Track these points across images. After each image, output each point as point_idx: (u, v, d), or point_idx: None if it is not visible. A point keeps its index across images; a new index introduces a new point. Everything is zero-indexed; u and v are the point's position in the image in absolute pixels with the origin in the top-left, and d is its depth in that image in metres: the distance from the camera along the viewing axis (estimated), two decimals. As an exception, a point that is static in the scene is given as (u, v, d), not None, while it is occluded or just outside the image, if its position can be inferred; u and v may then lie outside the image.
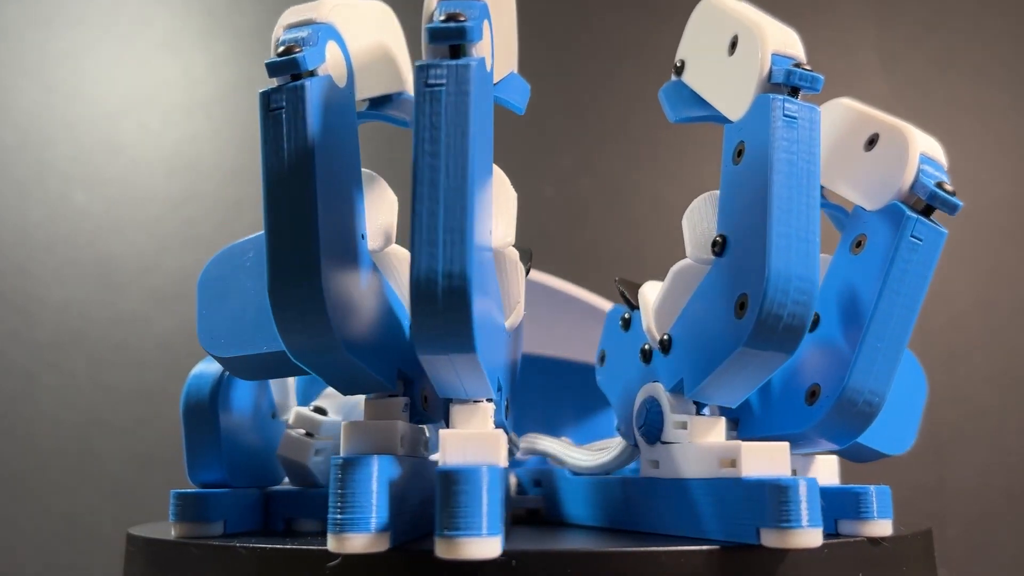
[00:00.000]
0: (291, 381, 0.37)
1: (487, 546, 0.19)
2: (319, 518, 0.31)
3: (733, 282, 0.25)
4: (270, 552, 0.24)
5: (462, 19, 0.21)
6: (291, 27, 0.23)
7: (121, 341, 0.74)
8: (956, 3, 0.79)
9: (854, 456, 0.32)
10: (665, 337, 0.29)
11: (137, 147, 0.77)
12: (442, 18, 0.21)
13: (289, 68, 0.22)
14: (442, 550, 0.19)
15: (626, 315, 0.34)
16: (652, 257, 0.74)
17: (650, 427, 0.30)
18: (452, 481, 0.19)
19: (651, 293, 0.32)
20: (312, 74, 0.22)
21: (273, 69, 0.22)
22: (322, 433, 0.32)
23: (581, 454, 0.36)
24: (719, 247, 0.26)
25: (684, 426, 0.28)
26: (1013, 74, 0.78)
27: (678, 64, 0.31)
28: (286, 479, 0.36)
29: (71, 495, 0.72)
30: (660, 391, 0.29)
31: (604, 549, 0.23)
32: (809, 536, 0.23)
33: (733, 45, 0.27)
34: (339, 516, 0.20)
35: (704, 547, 0.24)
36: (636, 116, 0.76)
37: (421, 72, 0.21)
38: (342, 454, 0.23)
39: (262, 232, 0.23)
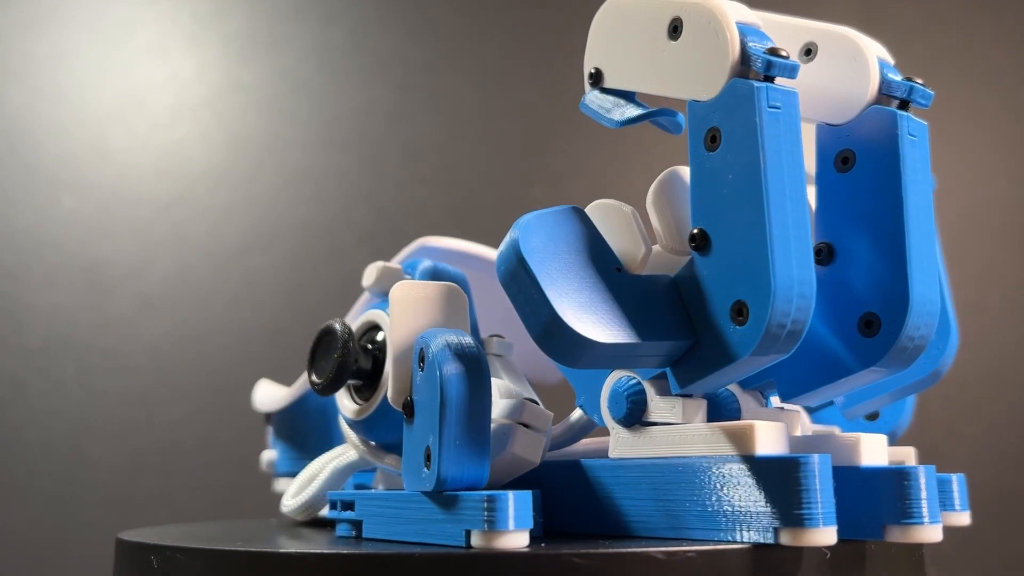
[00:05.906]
0: None
1: (936, 531, 0.24)
2: None
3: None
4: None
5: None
6: (748, 25, 0.23)
7: (110, 346, 0.73)
8: (944, 5, 0.80)
9: None
10: None
11: (125, 151, 0.76)
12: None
13: (791, 73, 0.23)
14: (898, 535, 0.24)
15: None
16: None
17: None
18: (905, 476, 0.24)
19: None
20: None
21: (782, 68, 0.23)
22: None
23: None
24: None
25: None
26: (1003, 75, 0.78)
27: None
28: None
29: (61, 501, 0.70)
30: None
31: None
32: (964, 517, 0.29)
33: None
34: (801, 512, 0.22)
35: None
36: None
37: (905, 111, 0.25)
38: (760, 452, 0.24)
39: (562, 207, 0.25)
